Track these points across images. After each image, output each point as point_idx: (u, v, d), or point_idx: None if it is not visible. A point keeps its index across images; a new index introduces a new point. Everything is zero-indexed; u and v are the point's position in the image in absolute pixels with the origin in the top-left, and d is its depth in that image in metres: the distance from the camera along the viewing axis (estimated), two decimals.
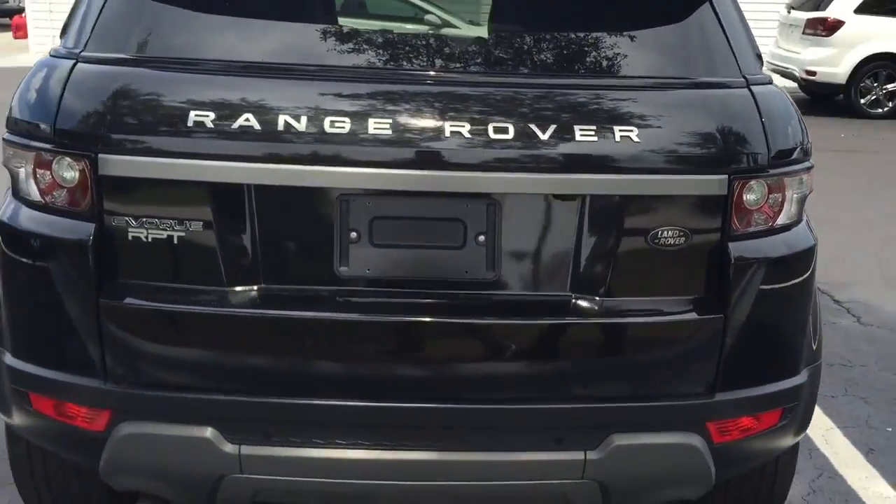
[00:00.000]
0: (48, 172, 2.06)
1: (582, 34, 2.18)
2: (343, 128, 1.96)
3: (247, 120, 1.97)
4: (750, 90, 2.14)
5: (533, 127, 1.98)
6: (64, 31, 2.29)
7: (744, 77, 2.17)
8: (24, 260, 2.13)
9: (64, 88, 2.06)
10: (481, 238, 2.03)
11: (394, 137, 1.97)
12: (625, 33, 2.17)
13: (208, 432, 2.04)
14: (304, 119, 1.97)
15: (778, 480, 2.59)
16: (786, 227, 2.17)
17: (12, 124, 2.17)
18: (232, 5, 2.17)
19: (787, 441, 2.36)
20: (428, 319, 2.03)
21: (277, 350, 2.06)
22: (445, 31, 2.20)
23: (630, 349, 2.10)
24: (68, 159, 2.03)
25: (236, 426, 2.05)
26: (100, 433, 2.10)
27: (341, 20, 2.32)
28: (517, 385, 2.07)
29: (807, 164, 2.20)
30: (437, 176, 2.00)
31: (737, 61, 2.18)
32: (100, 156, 2.00)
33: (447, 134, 1.97)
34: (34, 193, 2.10)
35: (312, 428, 2.06)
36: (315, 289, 2.05)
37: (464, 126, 1.97)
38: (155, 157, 1.99)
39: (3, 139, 2.19)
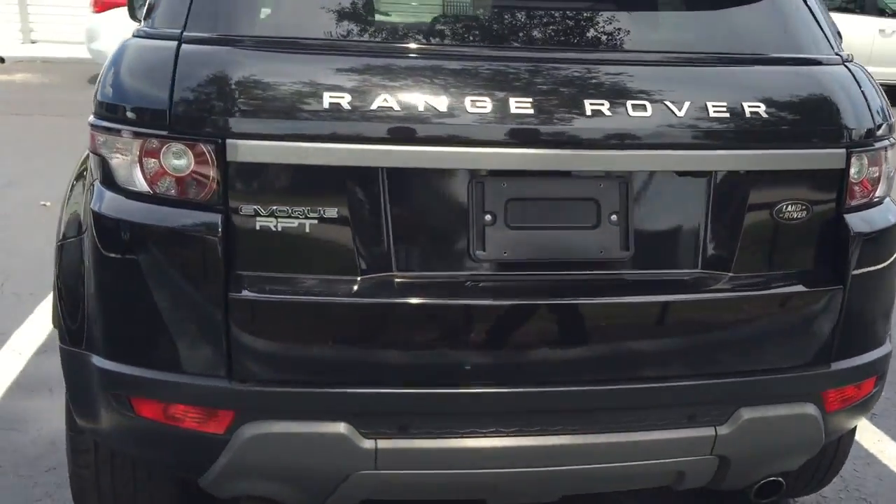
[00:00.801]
0: (159, 161, 1.93)
1: (710, 15, 2.21)
2: (482, 108, 1.91)
3: (384, 101, 1.89)
4: (847, 67, 2.21)
5: (668, 104, 1.98)
6: (149, 12, 2.15)
7: (837, 55, 2.23)
8: (127, 256, 1.98)
9: (174, 71, 1.92)
10: (614, 217, 2.02)
11: (530, 117, 1.93)
12: (739, 13, 2.21)
13: (342, 427, 1.96)
14: (441, 100, 1.91)
15: (841, 447, 2.68)
16: (881, 200, 2.25)
17: (105, 110, 2.02)
18: None
19: (870, 410, 2.45)
20: (566, 301, 2.01)
21: (413, 339, 1.99)
22: (581, 11, 2.17)
23: (756, 323, 2.12)
24: (187, 146, 1.90)
25: (371, 420, 1.97)
26: (219, 436, 1.99)
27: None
28: (653, 363, 2.07)
29: (894, 139, 2.28)
30: (572, 155, 1.97)
31: (828, 40, 2.24)
32: (228, 141, 1.88)
33: (587, 113, 1.94)
34: (140, 183, 1.96)
35: (450, 418, 2.00)
36: (450, 274, 1.99)
37: (602, 105, 1.95)
38: (286, 142, 1.89)
39: (95, 126, 2.03)
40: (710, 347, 2.09)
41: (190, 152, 1.90)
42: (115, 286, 2.02)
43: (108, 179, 2.01)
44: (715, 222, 2.06)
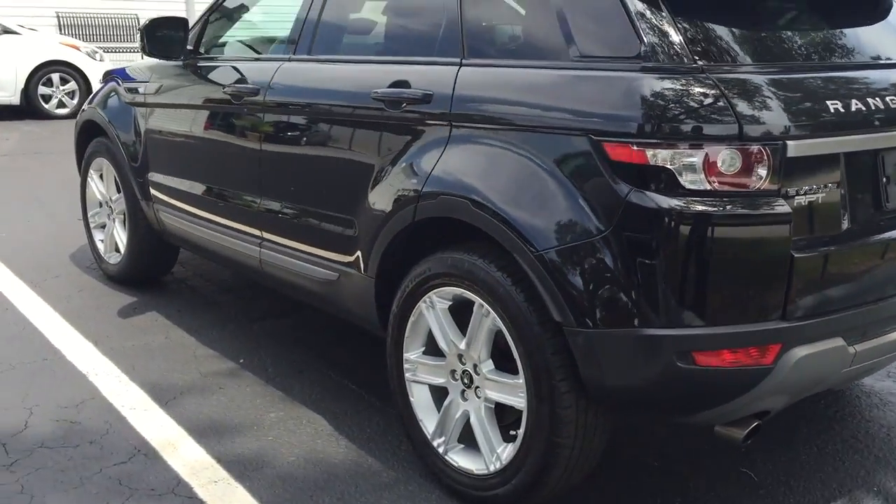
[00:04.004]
0: (722, 163, 2.49)
1: None
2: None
3: (856, 104, 2.68)
4: None
5: None
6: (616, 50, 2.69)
7: None
8: (697, 242, 2.50)
9: (725, 95, 2.52)
10: None
11: None
12: None
13: (840, 341, 2.69)
14: (877, 100, 2.75)
15: None
16: None
17: (665, 130, 2.51)
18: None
19: None
20: None
21: (875, 267, 2.77)
22: None
23: None
24: (752, 149, 2.50)
25: (850, 332, 2.72)
26: (765, 367, 2.61)
27: None
28: None
29: None
30: None
31: None
32: (788, 142, 2.53)
33: None
34: (703, 183, 2.50)
35: (886, 321, 2.83)
36: (877, 219, 2.81)
37: None
38: (814, 139, 2.60)
39: (650, 144, 2.52)
40: None
41: (753, 154, 2.51)
42: (687, 270, 2.51)
43: (663, 185, 2.52)
44: None
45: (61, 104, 12.29)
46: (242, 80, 4.03)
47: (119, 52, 15.98)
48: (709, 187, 2.52)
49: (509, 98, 2.91)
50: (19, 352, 4.32)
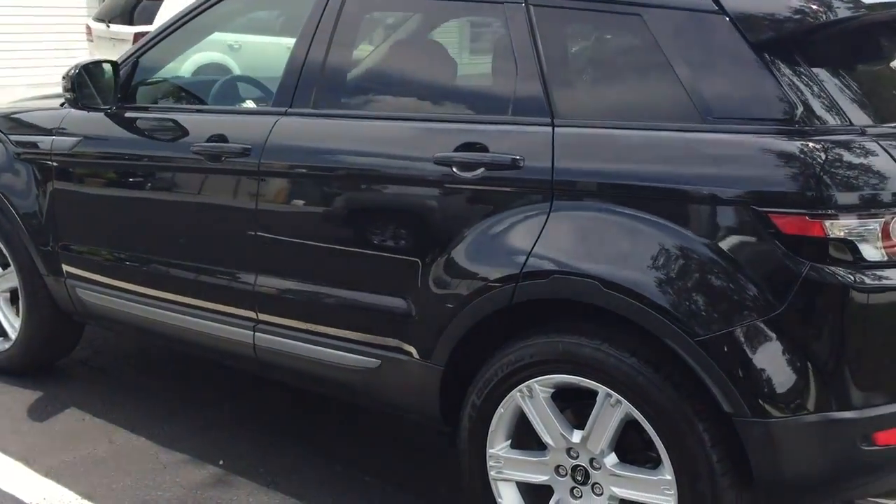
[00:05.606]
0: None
1: None
2: None
3: None
4: None
5: None
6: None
7: None
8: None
9: (892, 157, 2.39)
10: None
11: None
12: None
13: None
14: None
15: None
16: None
17: (832, 202, 2.33)
18: None
19: None
20: None
21: None
22: None
23: None
24: None
25: None
26: None
27: None
28: None
29: None
30: None
31: None
32: None
33: None
34: (880, 254, 2.35)
35: None
36: None
37: None
38: None
39: (827, 214, 2.33)
40: None
41: None
42: (873, 346, 2.38)
43: (842, 258, 2.33)
44: None
45: None
46: (220, 136, 3.39)
47: None
48: (886, 258, 2.37)
49: (632, 165, 2.61)
50: None
